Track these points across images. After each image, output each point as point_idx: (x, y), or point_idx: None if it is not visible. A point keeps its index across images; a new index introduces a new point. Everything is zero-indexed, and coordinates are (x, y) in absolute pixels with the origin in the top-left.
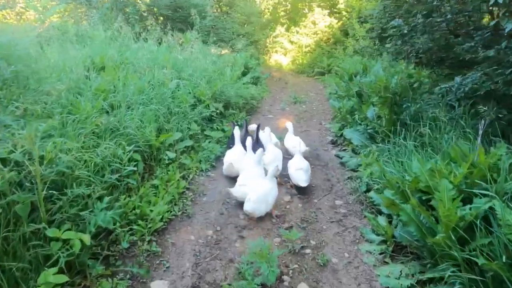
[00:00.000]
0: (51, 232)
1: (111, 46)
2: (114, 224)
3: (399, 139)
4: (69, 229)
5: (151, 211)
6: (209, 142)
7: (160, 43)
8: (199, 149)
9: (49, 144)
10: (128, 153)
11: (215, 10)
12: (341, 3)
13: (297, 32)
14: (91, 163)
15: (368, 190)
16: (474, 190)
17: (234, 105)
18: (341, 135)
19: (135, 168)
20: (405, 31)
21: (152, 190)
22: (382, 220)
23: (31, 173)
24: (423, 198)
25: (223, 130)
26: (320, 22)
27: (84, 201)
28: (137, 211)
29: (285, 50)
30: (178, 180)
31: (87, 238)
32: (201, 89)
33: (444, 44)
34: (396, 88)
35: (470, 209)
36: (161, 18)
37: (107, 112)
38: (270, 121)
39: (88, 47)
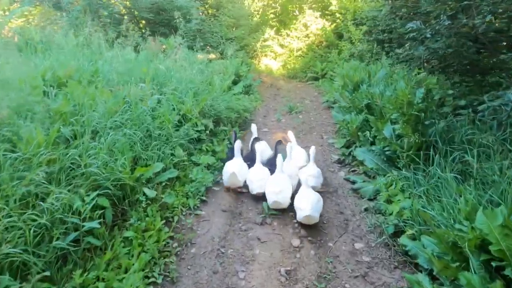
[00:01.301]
0: None
1: (81, 54)
2: None
3: (434, 167)
4: None
5: (121, 282)
6: (198, 170)
7: (139, 51)
8: (186, 180)
9: None
10: (87, 204)
11: (201, 13)
12: (334, 5)
13: (288, 35)
14: (29, 230)
15: (396, 232)
16: None
17: (225, 120)
18: (349, 153)
19: (98, 226)
20: (428, 35)
21: (124, 248)
22: (427, 283)
23: None
24: (493, 263)
25: (213, 152)
26: (312, 25)
27: None
28: (101, 284)
29: (275, 54)
30: (159, 229)
31: None
32: (187, 105)
33: (466, 49)
34: (422, 103)
35: None
36: (143, 22)
37: (68, 141)
38: (266, 135)
39: (54, 57)
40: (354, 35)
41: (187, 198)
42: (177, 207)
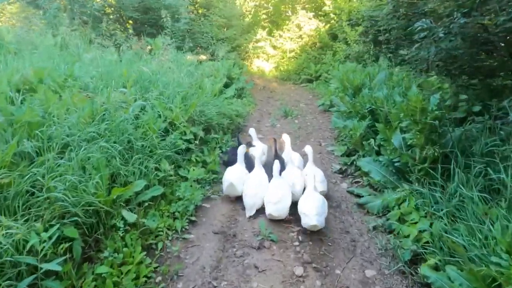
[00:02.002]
0: None
1: (56, 56)
2: None
3: (457, 183)
4: None
5: None
6: (186, 186)
7: (123, 51)
8: (173, 198)
9: None
10: (45, 242)
11: (190, 12)
12: (328, 5)
13: (280, 36)
14: None
15: (412, 259)
16: None
17: (216, 127)
18: (352, 162)
19: (58, 268)
20: (441, 34)
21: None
22: None
23: None
24: None
25: (204, 163)
26: (305, 26)
27: None
28: None
29: (268, 56)
30: (139, 261)
31: None
32: (175, 111)
33: (477, 50)
34: (438, 111)
35: None
36: (130, 21)
37: (33, 157)
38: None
39: (26, 58)
40: (349, 36)
41: (174, 220)
42: (162, 231)
